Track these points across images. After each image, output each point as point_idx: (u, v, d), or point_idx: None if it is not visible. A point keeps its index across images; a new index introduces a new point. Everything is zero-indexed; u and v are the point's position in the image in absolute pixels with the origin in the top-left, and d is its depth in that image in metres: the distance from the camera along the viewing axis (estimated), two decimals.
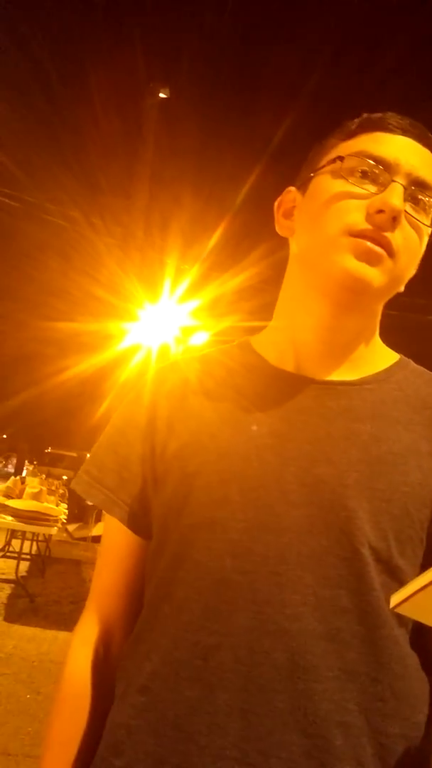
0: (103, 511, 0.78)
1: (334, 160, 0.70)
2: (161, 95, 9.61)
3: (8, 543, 6.31)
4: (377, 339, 0.76)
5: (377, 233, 0.65)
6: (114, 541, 0.78)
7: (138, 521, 0.75)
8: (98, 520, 10.92)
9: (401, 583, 0.61)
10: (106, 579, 0.78)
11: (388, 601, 0.52)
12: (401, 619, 0.63)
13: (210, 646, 0.62)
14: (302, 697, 0.59)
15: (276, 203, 0.78)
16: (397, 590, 0.50)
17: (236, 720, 0.59)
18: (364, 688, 0.60)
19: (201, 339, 9.77)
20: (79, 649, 0.76)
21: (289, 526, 0.64)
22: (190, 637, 0.63)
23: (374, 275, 0.66)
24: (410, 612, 0.51)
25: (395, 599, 0.49)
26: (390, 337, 0.78)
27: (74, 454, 17.37)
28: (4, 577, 5.49)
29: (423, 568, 0.62)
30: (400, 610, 0.50)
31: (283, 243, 0.79)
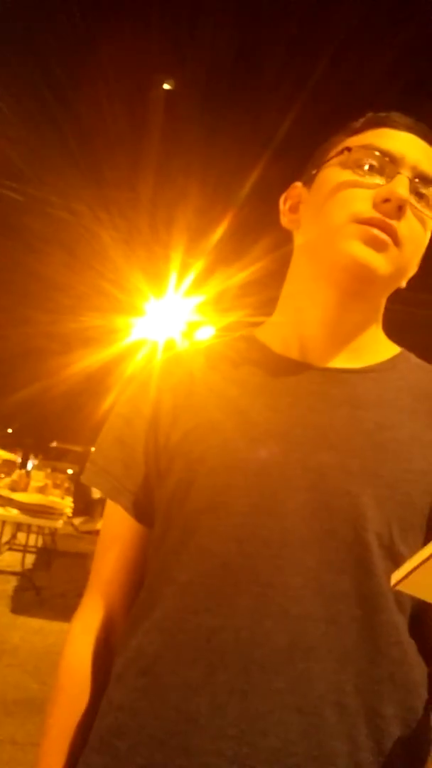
0: (107, 500, 0.79)
1: (341, 152, 0.71)
2: (165, 86, 9.56)
3: (14, 536, 6.35)
4: (380, 331, 0.77)
5: (383, 222, 0.67)
6: (117, 530, 0.78)
7: (142, 509, 0.76)
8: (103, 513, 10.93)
9: None
10: (108, 567, 0.78)
11: (388, 587, 0.52)
12: (401, 606, 0.64)
13: (213, 627, 0.63)
14: (300, 677, 0.60)
15: (282, 198, 0.80)
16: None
17: (236, 700, 0.60)
18: (361, 671, 0.61)
19: (207, 334, 9.77)
20: (79, 637, 0.75)
21: (292, 511, 0.64)
22: (194, 619, 0.64)
23: (380, 262, 0.67)
24: (411, 589, 0.51)
25: (396, 577, 0.49)
26: (391, 333, 0.79)
27: (79, 449, 17.41)
28: (10, 569, 5.52)
29: None
30: (401, 588, 0.50)
31: (287, 238, 0.80)
